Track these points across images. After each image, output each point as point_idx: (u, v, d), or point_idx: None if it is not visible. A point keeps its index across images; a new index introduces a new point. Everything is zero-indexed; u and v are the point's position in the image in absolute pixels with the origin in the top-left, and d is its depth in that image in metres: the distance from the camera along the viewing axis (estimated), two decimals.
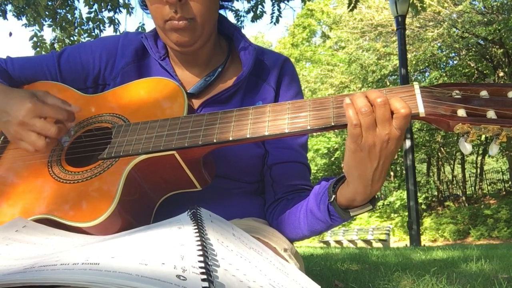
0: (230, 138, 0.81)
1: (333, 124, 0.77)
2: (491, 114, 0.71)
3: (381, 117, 0.73)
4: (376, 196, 0.85)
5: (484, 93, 0.74)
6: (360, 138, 0.74)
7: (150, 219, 0.90)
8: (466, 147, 0.74)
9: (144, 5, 1.03)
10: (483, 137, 0.75)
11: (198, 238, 0.57)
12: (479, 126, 0.71)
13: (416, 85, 0.77)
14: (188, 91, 1.04)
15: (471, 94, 0.75)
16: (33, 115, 0.85)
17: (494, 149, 0.74)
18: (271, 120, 0.81)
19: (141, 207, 0.87)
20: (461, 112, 0.72)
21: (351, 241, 15.68)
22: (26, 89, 1.06)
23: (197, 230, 0.60)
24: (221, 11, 1.13)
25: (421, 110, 0.74)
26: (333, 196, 0.84)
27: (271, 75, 1.08)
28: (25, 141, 0.87)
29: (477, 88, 0.75)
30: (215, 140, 0.81)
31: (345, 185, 0.82)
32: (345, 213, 0.84)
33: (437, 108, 0.74)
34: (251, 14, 5.37)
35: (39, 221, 0.79)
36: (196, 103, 1.04)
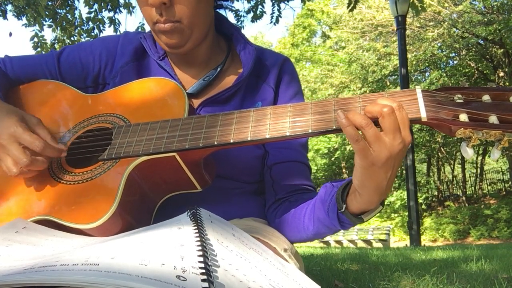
0: (231, 141, 0.80)
1: (334, 127, 0.76)
2: (493, 119, 0.70)
3: (391, 127, 0.71)
4: None
5: (486, 97, 0.73)
6: (369, 152, 0.72)
7: (151, 220, 0.90)
8: (468, 152, 0.73)
9: None
10: None
11: (198, 239, 0.57)
12: (481, 131, 0.69)
13: (418, 89, 0.76)
14: (187, 91, 1.03)
15: (473, 98, 0.74)
16: (13, 140, 0.83)
17: (495, 154, 0.72)
18: (272, 123, 0.80)
19: (141, 208, 0.87)
20: (463, 117, 0.71)
21: (351, 241, 15.67)
22: (24, 88, 1.06)
23: (197, 231, 0.60)
24: (221, 11, 1.13)
25: (423, 114, 0.73)
26: (344, 205, 0.83)
27: (270, 75, 1.08)
28: (3, 163, 0.85)
29: (479, 92, 0.74)
30: (216, 143, 0.81)
31: (357, 196, 0.80)
32: (358, 219, 0.83)
33: (439, 112, 0.73)
34: (251, 14, 5.36)
35: (39, 222, 0.78)
36: (196, 102, 1.04)
